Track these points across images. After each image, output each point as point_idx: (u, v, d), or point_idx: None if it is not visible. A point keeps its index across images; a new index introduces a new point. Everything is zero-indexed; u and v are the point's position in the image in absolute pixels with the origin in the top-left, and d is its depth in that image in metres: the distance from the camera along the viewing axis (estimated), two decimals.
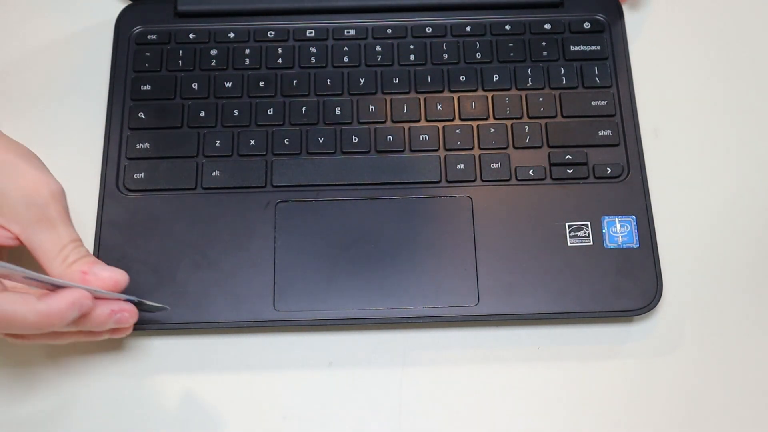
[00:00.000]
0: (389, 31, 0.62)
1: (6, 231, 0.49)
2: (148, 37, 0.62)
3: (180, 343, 0.55)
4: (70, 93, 0.62)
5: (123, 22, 0.63)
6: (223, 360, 0.54)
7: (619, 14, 0.63)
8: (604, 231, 0.56)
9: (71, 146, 0.60)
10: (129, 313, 0.49)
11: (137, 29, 0.62)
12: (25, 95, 0.62)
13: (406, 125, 0.59)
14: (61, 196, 0.50)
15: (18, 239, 0.49)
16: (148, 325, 0.53)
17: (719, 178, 0.60)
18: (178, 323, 0.54)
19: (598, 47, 0.62)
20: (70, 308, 0.46)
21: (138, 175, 0.58)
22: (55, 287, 0.46)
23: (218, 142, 0.59)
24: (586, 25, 0.62)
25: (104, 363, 0.54)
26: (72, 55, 0.64)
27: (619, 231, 0.56)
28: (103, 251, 0.56)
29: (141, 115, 0.59)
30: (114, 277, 0.49)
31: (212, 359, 0.54)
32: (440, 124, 0.59)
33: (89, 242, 0.55)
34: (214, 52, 0.62)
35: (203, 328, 0.54)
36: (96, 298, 0.48)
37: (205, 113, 0.60)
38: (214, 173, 0.58)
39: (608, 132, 0.59)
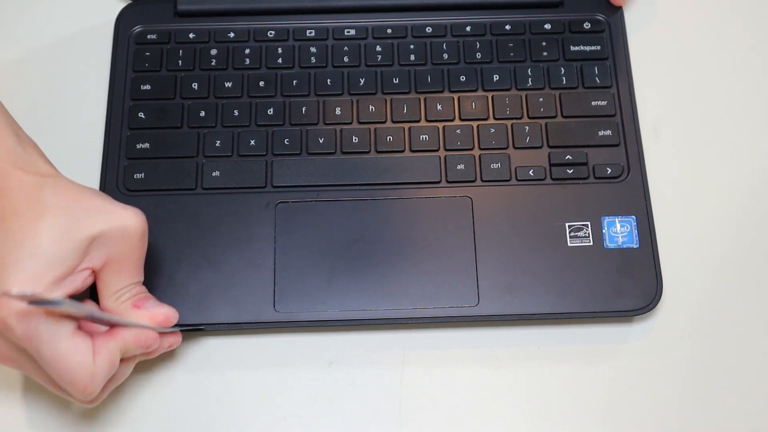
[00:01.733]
0: (389, 31, 0.62)
1: (89, 272, 0.47)
2: (148, 36, 0.62)
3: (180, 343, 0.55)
4: (70, 93, 0.62)
5: (123, 22, 0.63)
6: (223, 360, 0.54)
7: (619, 14, 0.63)
8: (604, 231, 0.56)
9: (71, 146, 0.60)
10: (175, 345, 0.52)
11: (137, 29, 0.62)
12: (25, 95, 0.62)
13: (406, 125, 0.59)
14: (146, 235, 0.49)
15: (93, 276, 0.48)
16: None
17: (719, 178, 0.60)
18: (177, 324, 0.53)
19: (598, 47, 0.62)
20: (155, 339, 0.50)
21: (138, 175, 0.58)
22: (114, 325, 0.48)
23: (218, 142, 0.59)
24: (586, 25, 0.62)
25: None
26: (72, 55, 0.64)
27: (619, 231, 0.56)
28: None
29: (141, 115, 0.59)
30: (167, 314, 0.50)
31: (212, 359, 0.54)
32: (440, 124, 0.59)
33: None
34: (214, 51, 0.62)
35: (203, 329, 0.54)
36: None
37: (205, 113, 0.60)
38: (214, 173, 0.58)
39: (608, 132, 0.59)
